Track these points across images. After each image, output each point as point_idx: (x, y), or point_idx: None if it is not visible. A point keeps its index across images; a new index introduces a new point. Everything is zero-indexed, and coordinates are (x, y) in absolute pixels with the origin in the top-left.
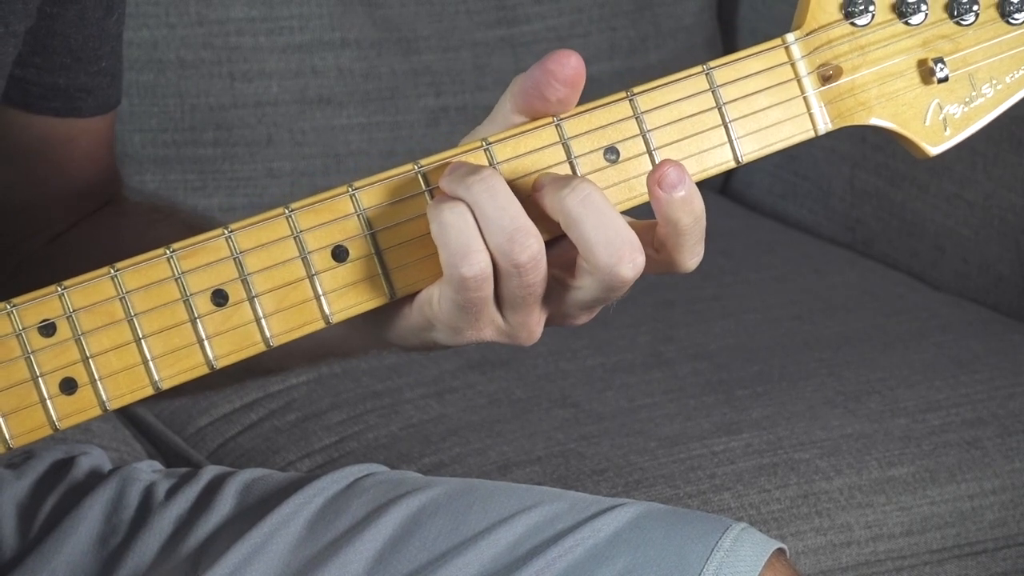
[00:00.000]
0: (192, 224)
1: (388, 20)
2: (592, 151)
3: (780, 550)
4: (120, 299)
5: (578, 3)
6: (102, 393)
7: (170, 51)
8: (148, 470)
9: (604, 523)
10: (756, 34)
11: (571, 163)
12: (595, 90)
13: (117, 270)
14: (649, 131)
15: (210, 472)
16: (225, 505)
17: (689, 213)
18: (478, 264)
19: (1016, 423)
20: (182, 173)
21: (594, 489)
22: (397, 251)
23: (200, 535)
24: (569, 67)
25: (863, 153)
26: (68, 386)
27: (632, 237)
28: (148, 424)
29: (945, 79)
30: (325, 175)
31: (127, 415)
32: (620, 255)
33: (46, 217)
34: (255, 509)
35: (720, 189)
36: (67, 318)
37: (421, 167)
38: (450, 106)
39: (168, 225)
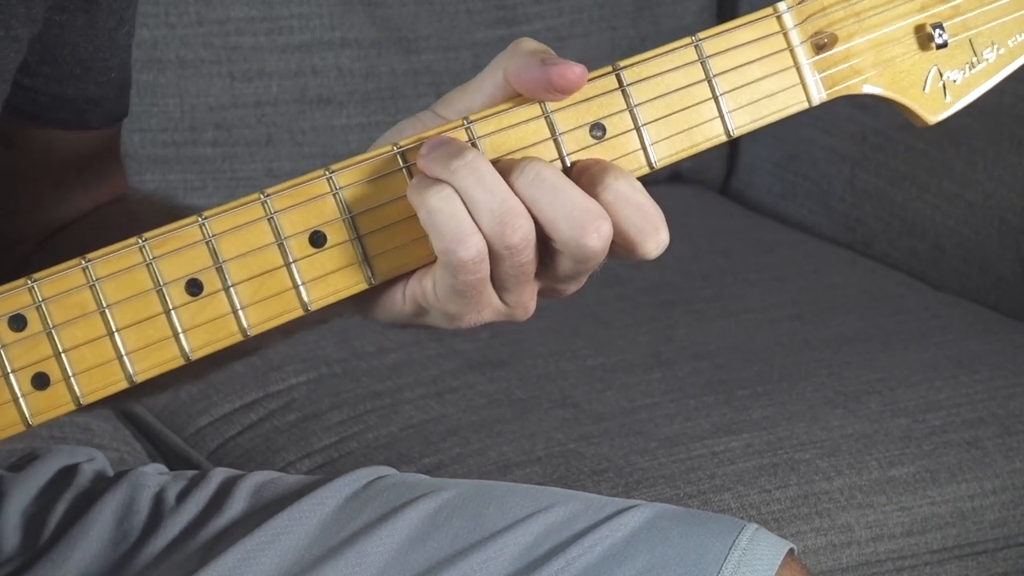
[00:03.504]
0: (166, 208)
1: (388, 20)
2: (577, 127)
3: (790, 549)
4: (91, 288)
5: (578, 3)
6: (76, 388)
7: (170, 51)
8: (155, 473)
9: (621, 523)
10: None
11: (555, 140)
12: None
13: (88, 260)
14: (636, 105)
15: (219, 475)
16: (236, 507)
17: (626, 203)
18: (475, 246)
19: (1016, 423)
20: (182, 173)
21: (594, 489)
22: (376, 235)
23: (211, 533)
24: (573, 85)
25: (863, 153)
26: (40, 382)
27: (592, 205)
28: (148, 424)
29: (944, 45)
30: None
31: (127, 415)
32: (583, 227)
33: (38, 224)
34: (267, 510)
35: (720, 189)
36: (36, 308)
37: (400, 147)
38: None
39: (142, 213)
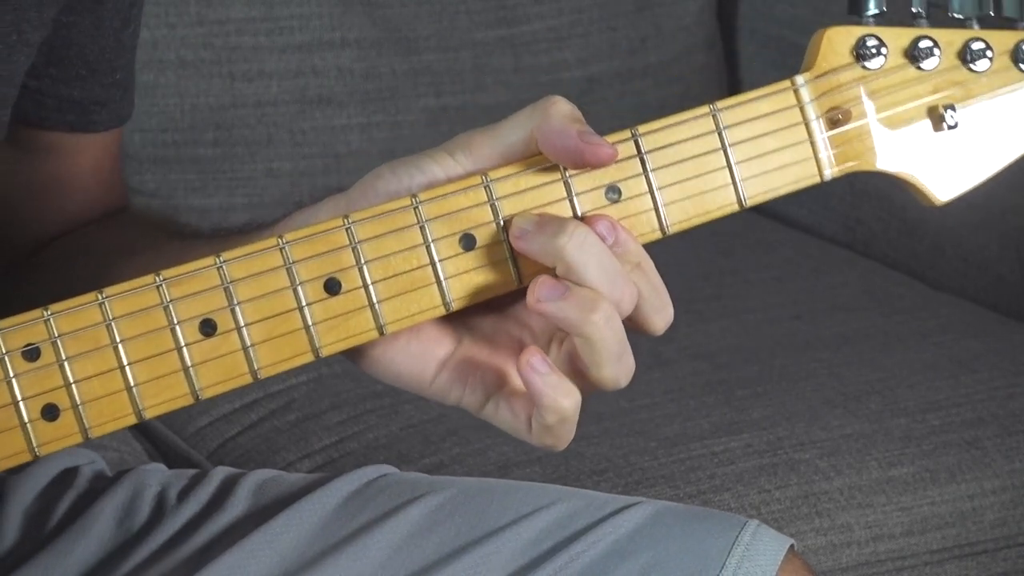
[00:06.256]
0: (167, 227)
1: (388, 20)
2: (593, 189)
3: (791, 545)
4: (106, 326)
5: (578, 3)
6: (84, 420)
7: (170, 51)
8: (156, 473)
9: (623, 520)
10: (756, 34)
11: (571, 201)
12: (596, 91)
13: (105, 296)
14: (652, 171)
15: (220, 473)
16: (238, 505)
17: (646, 284)
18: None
19: (1016, 423)
20: (182, 173)
21: (594, 489)
22: (389, 284)
23: (212, 531)
24: (604, 164)
25: None
26: (50, 412)
27: (622, 273)
28: (148, 424)
29: (955, 126)
30: (325, 175)
31: None
32: (621, 294)
33: (38, 232)
34: (268, 508)
35: None
36: (52, 343)
37: (418, 201)
38: (450, 106)
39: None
